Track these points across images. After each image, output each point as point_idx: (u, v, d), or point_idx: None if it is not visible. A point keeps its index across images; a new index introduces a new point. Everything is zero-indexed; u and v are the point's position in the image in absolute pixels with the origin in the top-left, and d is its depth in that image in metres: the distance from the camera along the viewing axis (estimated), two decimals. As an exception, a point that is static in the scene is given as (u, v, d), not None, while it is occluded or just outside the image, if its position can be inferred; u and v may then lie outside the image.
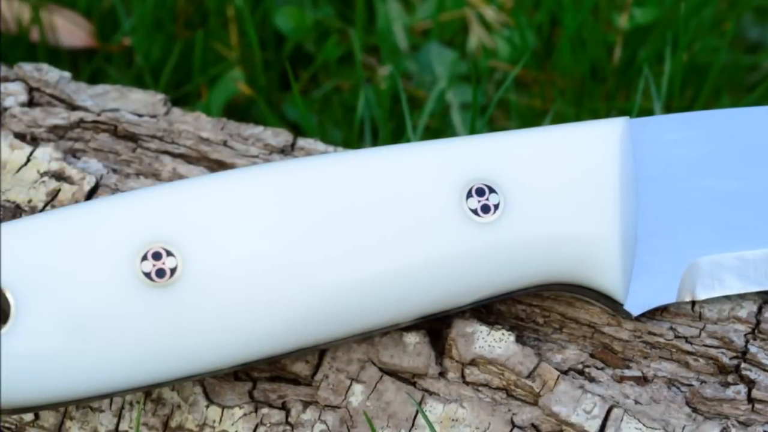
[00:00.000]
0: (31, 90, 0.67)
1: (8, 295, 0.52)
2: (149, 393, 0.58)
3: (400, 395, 0.57)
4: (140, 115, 0.67)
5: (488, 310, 0.60)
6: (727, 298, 0.59)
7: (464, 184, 0.55)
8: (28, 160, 0.63)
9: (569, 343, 0.59)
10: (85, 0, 0.92)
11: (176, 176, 0.64)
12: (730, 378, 0.58)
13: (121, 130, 0.66)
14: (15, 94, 0.67)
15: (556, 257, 0.56)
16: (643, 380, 0.58)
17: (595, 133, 0.57)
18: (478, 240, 0.55)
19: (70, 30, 0.89)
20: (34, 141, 0.65)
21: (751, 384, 0.57)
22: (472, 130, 0.76)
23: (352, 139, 0.84)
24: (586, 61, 0.88)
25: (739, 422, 0.56)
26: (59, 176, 0.63)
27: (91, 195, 0.62)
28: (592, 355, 0.59)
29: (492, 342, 0.57)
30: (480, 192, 0.55)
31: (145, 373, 0.53)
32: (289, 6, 0.91)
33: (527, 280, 0.56)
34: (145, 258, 0.52)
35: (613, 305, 0.58)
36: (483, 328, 0.58)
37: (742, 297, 0.59)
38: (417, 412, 0.57)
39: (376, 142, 0.85)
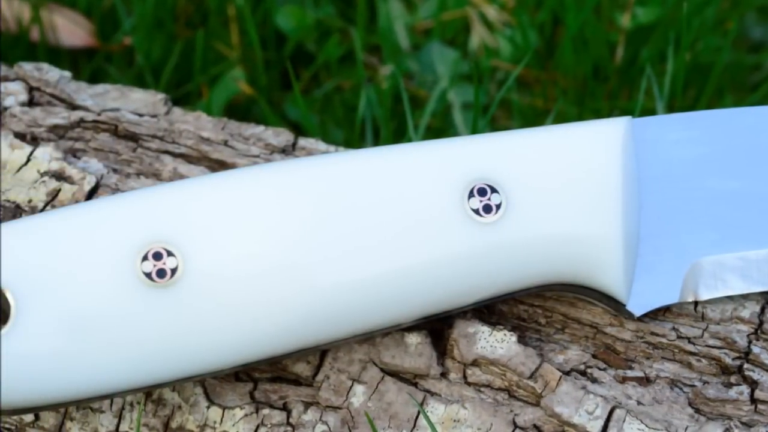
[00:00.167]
0: (31, 89, 0.67)
1: (8, 295, 0.52)
2: (150, 394, 0.58)
3: (402, 396, 0.57)
4: (141, 115, 0.67)
5: (490, 311, 0.60)
6: (730, 298, 0.59)
7: (466, 184, 0.55)
8: (29, 159, 0.63)
9: (571, 344, 0.59)
10: (86, -1, 0.92)
11: (177, 176, 0.64)
12: (732, 379, 0.57)
13: (122, 130, 0.66)
14: (15, 93, 0.67)
15: (558, 257, 0.56)
16: (645, 381, 0.58)
17: (598, 132, 0.57)
18: (480, 240, 0.55)
19: (71, 29, 0.89)
20: (35, 141, 0.65)
21: (754, 385, 0.57)
22: (474, 130, 0.76)
23: (354, 139, 0.84)
24: (588, 61, 0.88)
25: (742, 423, 0.56)
26: (59, 176, 0.62)
27: (91, 195, 0.62)
28: (594, 356, 0.58)
29: (494, 342, 0.57)
30: (482, 192, 0.55)
31: (145, 374, 0.53)
32: (290, 5, 0.91)
33: (529, 280, 0.56)
34: (145, 258, 0.52)
35: (615, 305, 0.58)
36: (485, 329, 0.58)
37: (745, 297, 0.59)
38: (418, 412, 0.57)
39: (377, 141, 0.85)
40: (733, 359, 0.58)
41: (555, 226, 0.55)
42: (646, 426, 0.56)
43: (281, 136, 0.66)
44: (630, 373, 0.58)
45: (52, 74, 0.68)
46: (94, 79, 0.88)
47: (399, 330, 0.58)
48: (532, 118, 0.87)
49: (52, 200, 0.62)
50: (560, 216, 0.55)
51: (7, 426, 0.59)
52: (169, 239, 0.53)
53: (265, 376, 0.59)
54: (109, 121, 0.66)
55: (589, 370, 0.58)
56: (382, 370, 0.58)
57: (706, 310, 0.59)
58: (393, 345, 0.58)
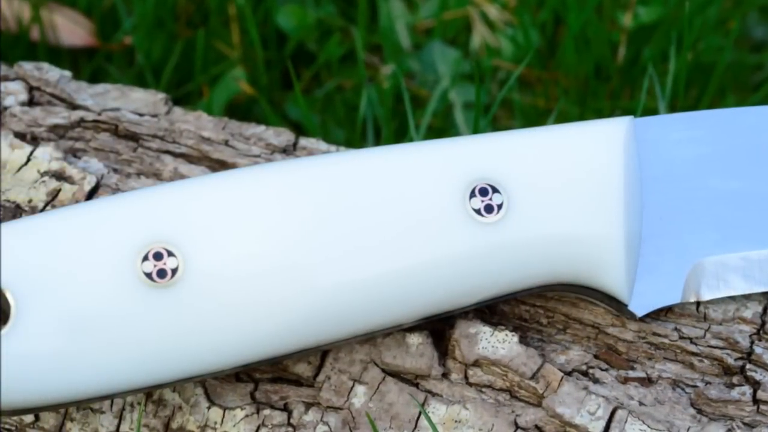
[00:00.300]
0: (31, 89, 0.67)
1: (8, 295, 0.52)
2: (150, 394, 0.58)
3: (403, 396, 0.57)
4: (141, 115, 0.67)
5: (491, 311, 0.60)
6: (732, 298, 0.59)
7: (467, 183, 0.55)
8: (29, 159, 0.63)
9: (573, 344, 0.59)
10: (86, -2, 0.92)
11: (177, 176, 0.64)
12: (735, 379, 0.57)
13: (122, 130, 0.66)
14: (15, 93, 0.67)
15: (559, 257, 0.56)
16: (647, 381, 0.58)
17: (599, 132, 0.57)
18: (482, 240, 0.55)
19: (71, 29, 0.89)
20: (35, 140, 0.65)
21: (756, 385, 0.57)
22: (476, 130, 0.76)
23: (355, 139, 0.84)
24: (590, 60, 0.88)
25: (745, 423, 0.56)
26: (60, 176, 0.62)
27: (91, 195, 0.62)
28: (596, 356, 0.58)
29: (495, 343, 0.57)
30: (483, 192, 0.55)
31: (146, 374, 0.53)
32: (291, 4, 0.91)
33: (531, 280, 0.56)
34: (146, 258, 0.52)
35: (617, 306, 0.57)
36: (486, 329, 0.58)
37: (747, 297, 0.59)
38: (420, 413, 0.57)
39: (378, 141, 0.85)
40: (736, 360, 0.58)
41: (557, 226, 0.55)
42: (648, 427, 0.56)
43: (282, 135, 0.66)
44: (632, 374, 0.58)
45: (52, 74, 0.68)
46: (94, 78, 0.88)
47: (400, 330, 0.57)
48: (534, 118, 0.87)
49: (53, 200, 0.62)
50: (562, 216, 0.55)
51: (7, 427, 0.59)
52: (169, 239, 0.53)
53: (266, 377, 0.59)
54: (109, 121, 0.66)
55: (590, 371, 0.58)
56: (383, 370, 0.58)
57: (708, 311, 0.59)
58: (394, 345, 0.58)
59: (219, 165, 0.65)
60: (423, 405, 0.57)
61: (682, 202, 0.58)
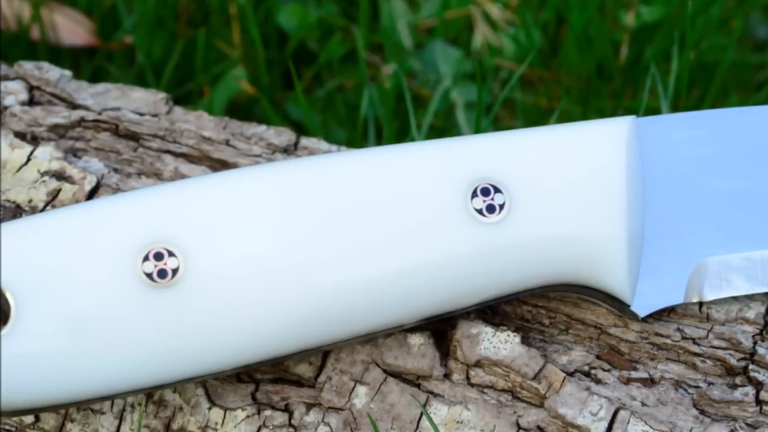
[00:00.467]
0: (31, 89, 0.67)
1: (8, 295, 0.52)
2: (151, 395, 0.58)
3: (405, 397, 0.57)
4: (142, 114, 0.67)
5: (493, 311, 0.60)
6: (735, 298, 0.59)
7: (469, 183, 0.55)
8: (29, 159, 0.63)
9: (575, 345, 0.59)
10: (86, -2, 0.92)
11: (178, 176, 0.64)
12: (737, 380, 0.57)
13: (123, 129, 0.66)
14: (15, 92, 0.67)
15: (562, 257, 0.56)
16: (650, 382, 0.58)
17: (602, 132, 0.57)
18: (484, 240, 0.55)
19: (71, 28, 0.89)
20: (35, 140, 0.65)
21: (759, 386, 0.57)
22: (477, 129, 0.76)
23: (356, 139, 0.84)
24: (592, 60, 0.88)
25: (747, 424, 0.56)
26: (60, 176, 0.62)
27: (92, 195, 0.62)
28: (598, 357, 0.58)
29: (497, 343, 0.57)
30: (485, 192, 0.55)
31: (146, 375, 0.53)
32: (292, 4, 0.91)
33: (533, 280, 0.56)
34: (146, 258, 0.52)
35: (619, 306, 0.57)
36: (488, 330, 0.58)
37: (750, 298, 0.59)
38: (421, 414, 0.57)
39: (380, 141, 0.85)
40: (738, 360, 0.58)
41: (559, 226, 0.55)
42: (651, 427, 0.56)
43: (283, 135, 0.66)
44: (634, 374, 0.58)
45: (52, 73, 0.68)
46: (94, 78, 0.88)
47: (402, 331, 0.57)
48: (536, 118, 0.87)
49: (53, 200, 0.62)
50: (564, 216, 0.55)
51: (7, 427, 0.59)
52: (170, 239, 0.53)
53: (267, 377, 0.59)
54: (109, 121, 0.66)
55: (593, 371, 0.58)
56: (384, 371, 0.58)
57: (710, 311, 0.59)
58: (396, 346, 0.58)
59: (220, 165, 0.65)
60: (425, 406, 0.57)
61: (685, 202, 0.58)
